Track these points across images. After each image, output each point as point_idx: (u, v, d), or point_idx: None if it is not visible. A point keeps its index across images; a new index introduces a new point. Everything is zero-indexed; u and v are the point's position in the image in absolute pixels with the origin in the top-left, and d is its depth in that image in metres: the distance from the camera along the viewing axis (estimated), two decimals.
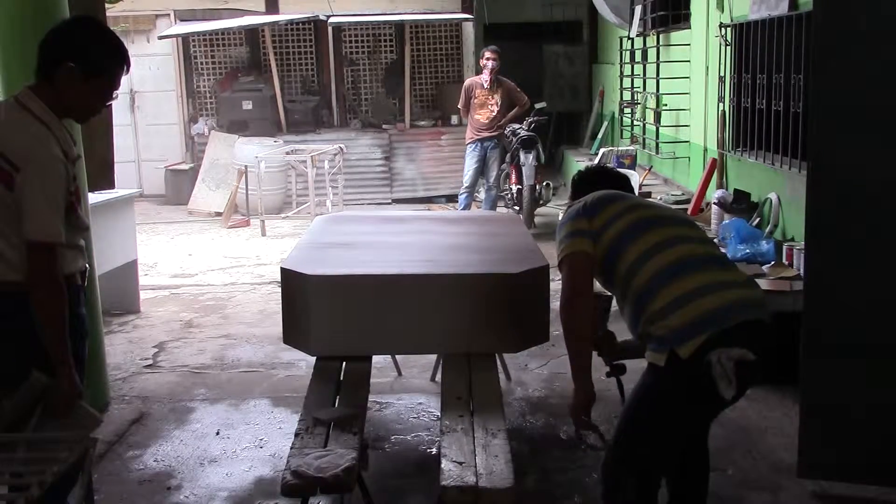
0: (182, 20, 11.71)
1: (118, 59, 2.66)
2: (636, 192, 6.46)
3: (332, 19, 11.09)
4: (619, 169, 7.36)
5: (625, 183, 3.13)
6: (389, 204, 10.95)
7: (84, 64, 2.57)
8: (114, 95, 2.72)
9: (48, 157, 2.54)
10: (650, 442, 2.64)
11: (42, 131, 2.56)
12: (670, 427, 2.64)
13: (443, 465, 2.76)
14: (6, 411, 2.59)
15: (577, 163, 10.07)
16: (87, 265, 2.91)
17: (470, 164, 8.75)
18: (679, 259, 2.63)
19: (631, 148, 8.57)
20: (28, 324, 2.60)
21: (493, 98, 8.59)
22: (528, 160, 8.30)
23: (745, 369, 2.48)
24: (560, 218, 2.92)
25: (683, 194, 7.26)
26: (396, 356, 4.87)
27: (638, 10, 8.59)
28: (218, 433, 4.24)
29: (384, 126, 11.38)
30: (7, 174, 2.52)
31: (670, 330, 2.53)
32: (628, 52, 9.41)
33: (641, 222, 2.73)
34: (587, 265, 2.73)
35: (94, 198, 4.96)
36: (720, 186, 6.44)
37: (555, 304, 6.01)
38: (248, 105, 11.06)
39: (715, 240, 5.54)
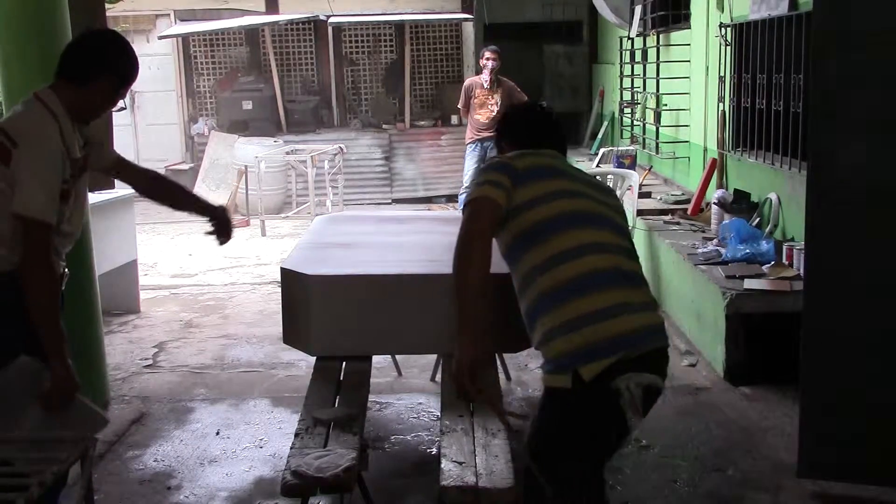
0: (182, 20, 11.72)
1: (137, 72, 2.88)
2: (636, 191, 6.49)
3: (332, 19, 11.10)
4: (618, 168, 7.39)
5: (558, 136, 2.82)
6: (389, 204, 10.95)
7: (122, 77, 2.81)
8: (119, 104, 2.97)
9: (46, 137, 2.66)
10: (561, 465, 2.41)
11: (47, 118, 2.68)
12: (575, 452, 2.40)
13: (443, 465, 2.76)
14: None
15: (578, 163, 10.05)
16: (66, 270, 2.95)
17: (470, 164, 8.74)
18: (588, 273, 2.37)
19: (631, 148, 8.57)
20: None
21: (493, 98, 8.58)
22: None
23: (649, 399, 2.37)
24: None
25: (683, 194, 7.26)
26: (396, 356, 4.87)
27: (638, 10, 8.59)
28: (218, 433, 4.24)
29: (384, 126, 11.38)
30: (6, 150, 2.63)
31: (574, 347, 2.33)
32: (628, 52, 9.41)
33: (564, 217, 2.45)
34: (493, 213, 2.44)
35: (94, 198, 4.97)
36: (720, 186, 6.43)
37: None
38: (248, 105, 11.06)
39: (714, 240, 5.55)
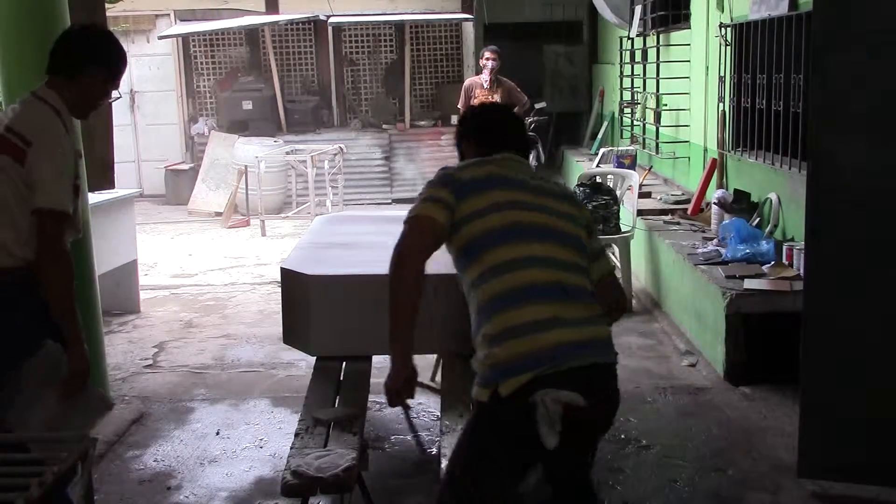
0: (182, 20, 11.72)
1: (125, 63, 2.96)
2: (636, 191, 6.50)
3: (332, 19, 11.10)
4: (618, 168, 7.39)
5: (517, 136, 2.70)
6: (389, 204, 10.95)
7: (110, 68, 2.89)
8: (113, 94, 2.98)
9: (60, 134, 2.76)
10: (474, 483, 2.30)
11: (53, 116, 2.78)
12: (490, 469, 2.29)
13: (443, 465, 2.76)
14: (22, 380, 2.68)
15: (577, 163, 10.07)
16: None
17: None
18: (522, 286, 2.30)
19: (631, 148, 8.57)
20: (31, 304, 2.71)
21: (493, 98, 8.57)
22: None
23: (577, 417, 2.21)
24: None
25: (683, 194, 7.26)
26: None
27: (638, 10, 8.59)
28: (218, 433, 4.24)
29: (384, 126, 11.38)
30: (20, 150, 2.69)
31: (497, 361, 2.26)
32: (628, 52, 9.41)
33: (503, 230, 2.37)
34: (429, 233, 2.39)
35: (94, 198, 4.96)
36: (720, 186, 6.43)
37: None
38: (248, 105, 11.06)
39: (714, 240, 5.55)
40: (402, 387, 2.42)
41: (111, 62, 2.88)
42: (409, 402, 2.50)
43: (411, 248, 2.39)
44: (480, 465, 2.30)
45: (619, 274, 6.45)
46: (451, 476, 2.37)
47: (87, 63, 2.83)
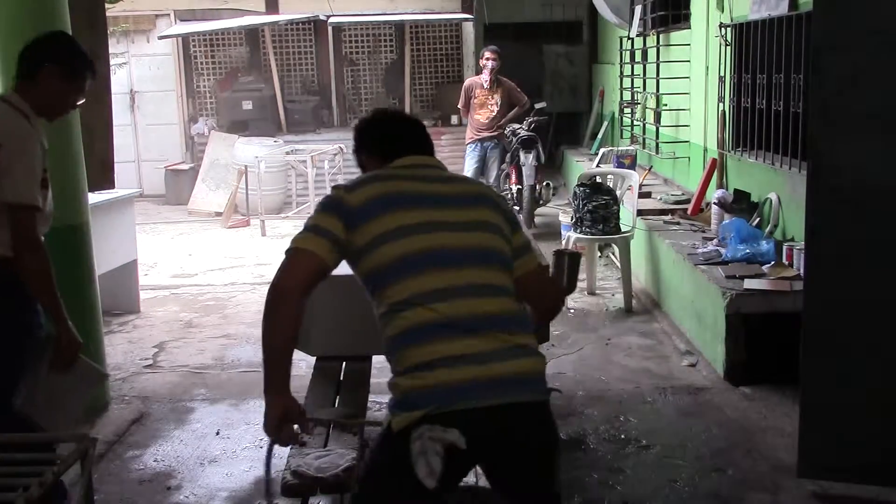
0: (182, 20, 11.72)
1: (89, 67, 3.10)
2: (636, 191, 6.49)
3: (332, 19, 11.10)
4: (618, 168, 7.39)
5: (417, 137, 2.48)
6: None
7: (63, 65, 3.02)
8: (80, 101, 3.15)
9: (28, 134, 2.93)
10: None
11: (19, 116, 2.95)
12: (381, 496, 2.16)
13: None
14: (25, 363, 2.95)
15: (577, 163, 10.07)
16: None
17: (470, 164, 8.74)
18: (435, 320, 2.13)
19: (631, 148, 8.57)
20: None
21: (493, 98, 8.58)
22: (528, 160, 8.30)
23: (490, 459, 2.14)
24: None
25: (683, 194, 7.26)
26: None
27: (638, 10, 8.59)
28: (218, 433, 4.24)
29: None
30: None
31: (399, 393, 2.14)
32: (628, 52, 9.41)
33: (415, 259, 2.17)
34: (308, 270, 2.18)
35: (94, 198, 4.96)
36: (720, 186, 6.43)
37: None
38: (248, 105, 11.06)
39: (714, 240, 5.55)
40: (275, 429, 2.21)
41: (64, 59, 3.03)
42: (304, 438, 2.33)
43: (288, 287, 2.17)
44: (374, 492, 2.18)
45: (619, 274, 6.47)
46: (354, 497, 2.26)
47: (42, 62, 2.99)
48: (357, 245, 2.20)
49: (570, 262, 2.74)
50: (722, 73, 6.40)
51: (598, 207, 6.14)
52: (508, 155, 8.74)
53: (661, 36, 8.26)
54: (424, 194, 2.28)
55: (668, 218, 6.57)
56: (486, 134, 8.66)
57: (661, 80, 8.21)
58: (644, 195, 7.18)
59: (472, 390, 2.09)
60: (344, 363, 3.56)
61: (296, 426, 2.25)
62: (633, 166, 7.80)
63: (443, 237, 2.21)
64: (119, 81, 11.05)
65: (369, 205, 2.22)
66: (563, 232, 6.67)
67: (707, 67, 6.84)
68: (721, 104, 6.42)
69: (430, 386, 2.09)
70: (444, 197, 2.29)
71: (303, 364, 4.95)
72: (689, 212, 6.61)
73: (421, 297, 2.15)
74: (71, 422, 3.05)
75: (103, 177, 4.94)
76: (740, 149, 6.09)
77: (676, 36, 7.82)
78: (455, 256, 2.20)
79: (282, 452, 3.73)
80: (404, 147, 2.42)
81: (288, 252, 2.22)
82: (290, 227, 9.44)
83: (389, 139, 2.46)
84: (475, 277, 2.19)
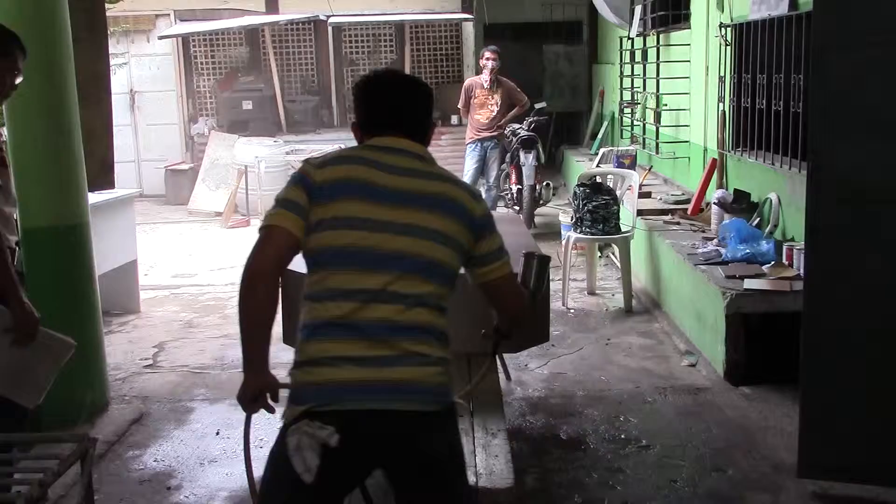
0: (182, 20, 11.72)
1: (18, 44, 3.11)
2: (636, 191, 6.49)
3: (332, 19, 11.10)
4: (618, 168, 7.39)
5: (406, 114, 2.34)
6: None
7: None
8: (17, 81, 3.14)
9: None
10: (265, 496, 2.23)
11: None
12: (278, 488, 2.17)
13: None
14: None
15: (577, 163, 10.07)
16: (18, 247, 3.28)
17: (470, 164, 8.74)
18: (342, 319, 2.13)
19: (631, 148, 8.57)
20: None
21: (492, 98, 8.58)
22: (528, 160, 8.30)
23: (364, 459, 2.15)
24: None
25: (683, 194, 7.26)
26: None
27: (638, 10, 8.59)
28: (218, 433, 4.24)
29: None
30: None
31: (292, 386, 2.19)
32: (628, 52, 9.41)
33: (343, 254, 2.16)
34: (282, 246, 2.20)
35: (94, 198, 4.97)
36: (720, 186, 6.43)
37: (555, 303, 6.02)
38: (248, 105, 11.07)
39: (714, 240, 5.55)
40: (250, 400, 2.28)
41: None
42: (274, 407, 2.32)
43: (262, 269, 2.20)
44: (271, 478, 2.20)
45: (619, 274, 6.47)
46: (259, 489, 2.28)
47: None
48: (311, 221, 2.19)
49: (538, 264, 2.70)
50: (722, 73, 6.40)
51: (598, 207, 6.14)
52: (508, 155, 8.74)
53: (661, 36, 8.26)
54: (380, 187, 2.20)
55: (668, 218, 6.57)
56: (486, 134, 8.66)
57: (661, 80, 8.22)
58: (644, 195, 7.19)
59: (350, 392, 2.09)
60: None
61: (269, 397, 2.28)
62: (633, 166, 7.80)
63: (377, 238, 2.17)
64: (119, 81, 11.06)
65: (327, 186, 2.19)
66: (563, 232, 6.67)
67: (707, 67, 6.85)
68: (721, 104, 6.42)
69: (315, 383, 2.12)
70: (399, 194, 2.21)
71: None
72: (689, 212, 6.61)
73: (333, 294, 2.15)
74: (40, 394, 3.03)
75: (103, 177, 4.94)
76: (740, 149, 6.09)
77: (676, 36, 7.82)
78: (381, 259, 2.16)
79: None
80: (387, 125, 2.30)
81: (262, 229, 2.23)
82: None
83: (374, 114, 2.34)
84: (395, 284, 2.15)
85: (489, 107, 8.60)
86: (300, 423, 2.09)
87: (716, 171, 6.56)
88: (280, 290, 2.25)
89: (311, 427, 2.07)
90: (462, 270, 2.32)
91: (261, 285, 2.20)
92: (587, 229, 6.20)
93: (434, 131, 2.45)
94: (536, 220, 8.79)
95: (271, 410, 2.28)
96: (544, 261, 2.72)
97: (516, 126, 8.77)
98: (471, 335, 3.54)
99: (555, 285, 5.64)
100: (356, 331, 2.12)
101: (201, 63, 11.96)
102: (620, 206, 6.35)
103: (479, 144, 8.69)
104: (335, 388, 2.11)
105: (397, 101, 2.33)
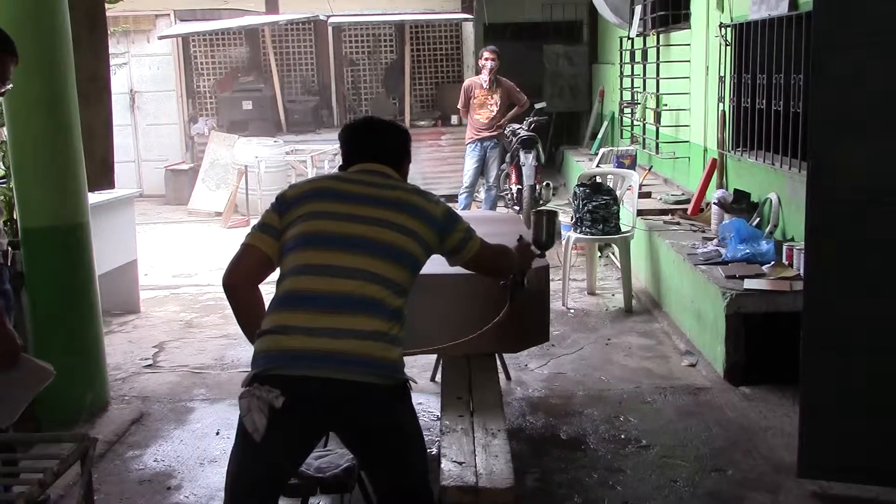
0: (182, 20, 11.72)
1: (8, 47, 3.06)
2: (636, 192, 6.49)
3: (332, 19, 11.09)
4: (618, 168, 7.39)
5: (376, 147, 2.67)
6: None
7: None
8: (7, 84, 3.09)
9: None
10: (233, 462, 2.43)
11: None
12: (245, 454, 2.38)
13: (443, 465, 2.77)
14: None
15: (577, 163, 10.07)
16: (10, 249, 3.26)
17: (470, 164, 8.75)
18: (298, 291, 2.38)
19: (631, 148, 8.57)
20: None
21: (492, 98, 8.59)
22: (527, 160, 8.30)
23: (298, 425, 2.31)
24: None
25: (683, 194, 7.26)
26: None
27: (638, 10, 8.59)
28: (218, 433, 4.24)
29: None
30: None
31: (254, 353, 2.40)
32: (628, 52, 9.41)
33: (306, 237, 2.44)
34: (254, 264, 2.50)
35: (94, 198, 4.97)
36: (720, 186, 6.43)
37: (555, 304, 6.01)
38: (248, 105, 11.05)
39: (714, 240, 5.55)
40: None
41: None
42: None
43: (234, 280, 2.50)
44: (234, 448, 2.40)
45: (619, 274, 6.47)
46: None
47: None
48: (283, 226, 2.50)
49: (547, 219, 3.08)
50: (722, 73, 6.40)
51: (598, 207, 6.14)
52: (508, 155, 8.74)
53: (661, 36, 8.26)
54: (345, 192, 2.53)
55: (668, 218, 6.57)
56: (485, 134, 8.66)
57: (661, 80, 8.21)
58: (644, 195, 7.19)
59: (298, 359, 2.29)
60: None
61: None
62: (633, 166, 7.80)
63: (339, 225, 2.45)
64: (119, 81, 11.06)
65: (298, 196, 2.53)
66: (563, 232, 6.67)
67: (707, 67, 6.85)
68: (721, 104, 6.42)
69: (267, 349, 2.34)
70: (362, 196, 2.51)
71: None
72: (689, 212, 6.61)
73: (297, 269, 2.41)
74: (12, 416, 2.97)
75: (103, 177, 4.94)
76: (740, 149, 6.09)
77: (676, 36, 7.82)
78: (342, 241, 2.42)
79: None
80: (362, 159, 2.65)
81: (241, 246, 2.54)
82: None
83: (350, 150, 2.69)
84: (353, 262, 2.38)
85: (489, 107, 8.60)
86: (251, 388, 2.28)
87: (716, 171, 6.56)
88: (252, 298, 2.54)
89: (259, 390, 2.26)
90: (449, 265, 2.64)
91: (236, 294, 2.51)
92: (587, 229, 6.20)
93: (408, 167, 2.75)
94: None
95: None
96: (552, 215, 3.11)
97: (516, 126, 8.76)
98: (470, 335, 3.56)
99: (555, 285, 5.64)
100: (310, 301, 2.34)
101: (201, 63, 11.95)
102: (620, 206, 6.35)
103: (478, 144, 8.70)
104: (283, 354, 2.30)
105: (372, 140, 2.69)
